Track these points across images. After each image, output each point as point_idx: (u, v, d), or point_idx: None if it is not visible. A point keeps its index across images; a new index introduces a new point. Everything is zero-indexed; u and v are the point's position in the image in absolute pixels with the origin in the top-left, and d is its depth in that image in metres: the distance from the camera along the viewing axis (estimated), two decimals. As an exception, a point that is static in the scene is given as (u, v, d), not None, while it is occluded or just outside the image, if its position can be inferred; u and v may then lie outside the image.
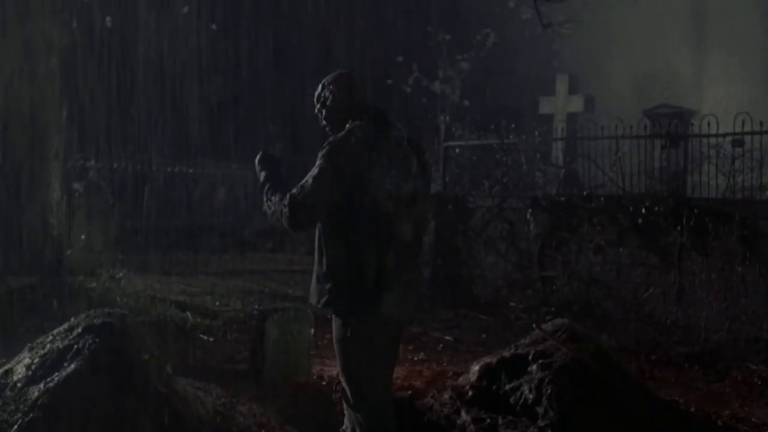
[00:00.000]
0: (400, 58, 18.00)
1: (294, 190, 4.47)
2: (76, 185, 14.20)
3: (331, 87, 4.77)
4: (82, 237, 11.52)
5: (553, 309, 11.31)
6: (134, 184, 17.31)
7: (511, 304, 11.95)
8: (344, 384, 4.65)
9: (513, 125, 13.35)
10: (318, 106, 4.82)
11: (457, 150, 13.90)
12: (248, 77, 20.02)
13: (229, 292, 12.07)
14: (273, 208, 4.57)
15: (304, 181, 4.45)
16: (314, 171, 4.44)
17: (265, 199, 4.65)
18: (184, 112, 18.49)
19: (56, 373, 5.10)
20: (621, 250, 11.13)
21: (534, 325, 7.09)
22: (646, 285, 10.79)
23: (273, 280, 14.08)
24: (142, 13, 15.53)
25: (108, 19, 10.74)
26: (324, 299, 4.53)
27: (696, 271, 10.31)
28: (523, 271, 12.34)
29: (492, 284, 12.65)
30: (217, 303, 10.92)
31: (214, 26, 14.22)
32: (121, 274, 10.82)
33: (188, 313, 9.66)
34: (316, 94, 4.83)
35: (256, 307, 10.52)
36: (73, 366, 5.10)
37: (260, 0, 19.12)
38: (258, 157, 4.88)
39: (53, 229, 9.47)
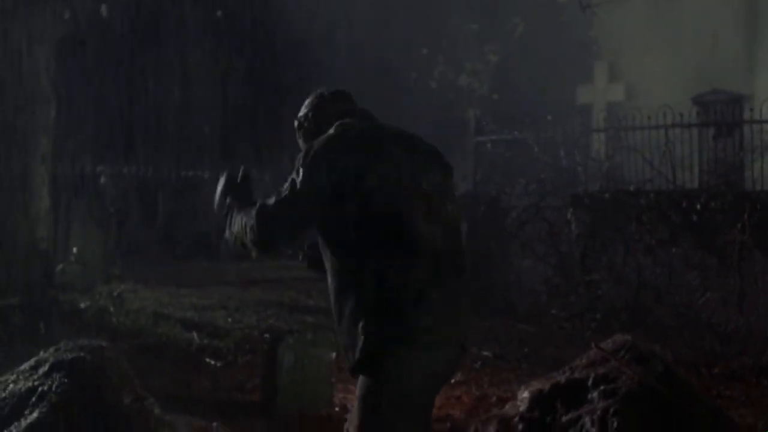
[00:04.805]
0: (424, 51, 17.28)
1: (264, 200, 3.61)
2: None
3: (307, 109, 3.96)
4: (74, 250, 10.74)
5: (598, 316, 10.62)
6: (145, 190, 16.61)
7: (553, 311, 11.19)
8: None
9: (549, 117, 12.61)
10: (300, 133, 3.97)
11: (488, 145, 13.17)
12: (266, 77, 19.37)
13: (244, 305, 11.26)
14: (237, 227, 3.65)
15: (280, 188, 3.60)
16: (292, 175, 3.57)
17: (228, 221, 3.75)
18: (199, 114, 17.87)
19: (15, 424, 4.17)
20: (673, 250, 10.48)
21: (593, 344, 6.15)
22: (702, 289, 10.12)
23: (292, 289, 13.29)
24: (149, 5, 14.85)
25: (103, 8, 9.94)
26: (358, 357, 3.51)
27: (759, 273, 9.72)
28: (565, 276, 11.64)
29: (530, 290, 11.93)
30: (229, 319, 10.07)
31: (219, 13, 13.54)
32: (119, 290, 10.02)
33: (194, 333, 8.85)
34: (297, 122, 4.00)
35: (271, 322, 9.74)
36: (35, 414, 4.22)
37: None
38: (221, 180, 3.95)
39: (41, 242, 8.65)
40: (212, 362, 8.18)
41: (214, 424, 5.59)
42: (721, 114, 11.54)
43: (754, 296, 9.67)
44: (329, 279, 3.64)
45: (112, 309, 9.21)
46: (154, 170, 17.31)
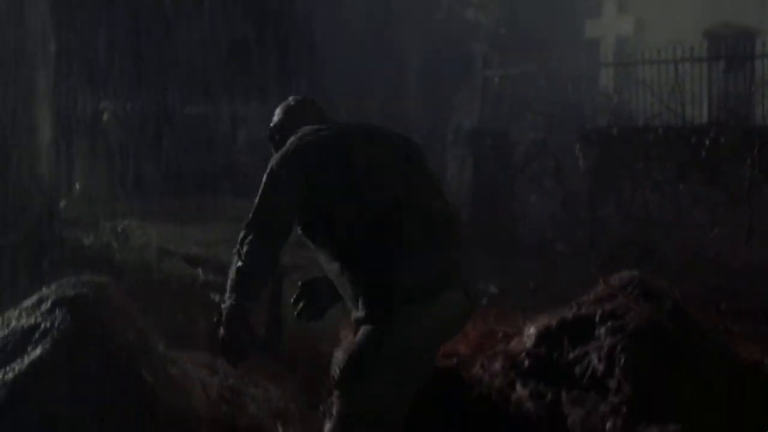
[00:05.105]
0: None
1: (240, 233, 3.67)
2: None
3: (276, 119, 4.08)
4: (77, 186, 10.60)
5: (605, 253, 10.42)
6: (149, 126, 16.45)
7: (559, 248, 11.08)
8: (347, 415, 3.50)
9: (557, 52, 12.47)
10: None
11: (495, 80, 12.97)
12: (270, 10, 19.10)
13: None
14: (230, 276, 3.71)
15: (252, 213, 3.67)
16: (259, 199, 3.67)
17: (228, 288, 3.77)
18: (204, 49, 17.63)
19: (18, 360, 4.11)
20: (681, 186, 10.35)
21: (601, 280, 6.07)
22: (710, 225, 10.00)
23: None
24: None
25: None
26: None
27: (768, 208, 9.54)
28: (571, 212, 11.54)
29: (536, 226, 11.83)
30: (235, 254, 9.94)
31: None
32: (123, 226, 9.89)
33: (199, 269, 8.72)
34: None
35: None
36: (38, 351, 4.15)
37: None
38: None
39: (43, 178, 8.51)
40: (217, 298, 8.05)
41: (219, 360, 5.50)
42: (732, 48, 11.32)
43: (763, 232, 9.56)
44: (325, 267, 3.72)
45: (115, 245, 9.09)
46: (158, 106, 17.13)
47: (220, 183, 16.11)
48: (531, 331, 5.95)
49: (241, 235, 3.58)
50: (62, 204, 9.84)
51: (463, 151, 12.56)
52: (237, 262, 3.58)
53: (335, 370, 3.77)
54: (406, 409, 3.54)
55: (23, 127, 8.30)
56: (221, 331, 3.68)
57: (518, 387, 5.61)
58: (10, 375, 4.07)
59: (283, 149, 3.66)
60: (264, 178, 3.62)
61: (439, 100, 15.05)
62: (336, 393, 3.59)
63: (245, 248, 3.54)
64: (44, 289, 4.61)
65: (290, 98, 4.12)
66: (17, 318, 4.45)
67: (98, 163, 12.67)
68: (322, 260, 3.69)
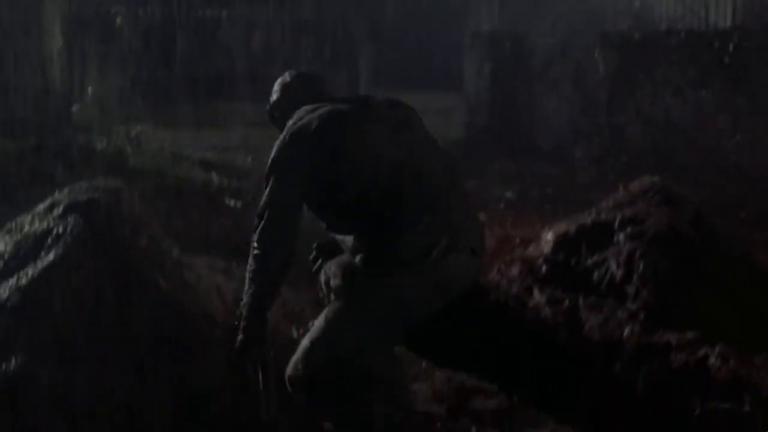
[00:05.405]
0: None
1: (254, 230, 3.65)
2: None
3: (274, 97, 4.12)
4: (89, 90, 10.46)
5: (624, 159, 10.45)
6: (162, 31, 16.26)
7: (577, 154, 10.97)
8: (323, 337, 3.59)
9: None
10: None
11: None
12: None
13: (264, 145, 11.04)
14: (249, 268, 3.64)
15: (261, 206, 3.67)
16: (266, 192, 3.68)
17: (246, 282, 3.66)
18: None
19: (31, 265, 4.06)
20: (703, 92, 10.17)
21: (621, 185, 5.97)
22: (732, 131, 9.88)
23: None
24: None
25: None
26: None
27: (792, 115, 9.42)
28: (590, 117, 11.39)
29: (555, 131, 11.75)
30: (249, 159, 9.87)
31: None
32: (136, 131, 9.81)
33: (213, 174, 8.67)
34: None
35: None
36: (50, 256, 4.08)
37: None
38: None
39: (55, 83, 8.39)
40: (233, 203, 8.05)
41: (234, 263, 5.49)
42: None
43: (786, 138, 9.39)
44: (338, 237, 3.77)
45: (129, 150, 9.04)
46: (172, 10, 16.92)
47: (234, 88, 16.00)
48: (549, 236, 5.86)
49: (255, 224, 3.64)
50: (75, 109, 9.75)
51: (481, 55, 12.41)
52: (252, 250, 3.60)
53: (321, 282, 3.96)
54: (383, 353, 3.72)
55: (34, 31, 8.16)
56: (240, 333, 3.60)
57: (535, 293, 5.54)
58: (23, 280, 4.01)
59: (282, 136, 3.71)
60: (268, 166, 3.67)
61: (455, 2, 14.82)
62: (323, 312, 3.67)
63: (258, 235, 3.58)
64: (56, 194, 4.54)
65: (287, 74, 4.14)
66: (30, 223, 4.38)
67: (111, 67, 12.51)
68: (338, 238, 3.75)
